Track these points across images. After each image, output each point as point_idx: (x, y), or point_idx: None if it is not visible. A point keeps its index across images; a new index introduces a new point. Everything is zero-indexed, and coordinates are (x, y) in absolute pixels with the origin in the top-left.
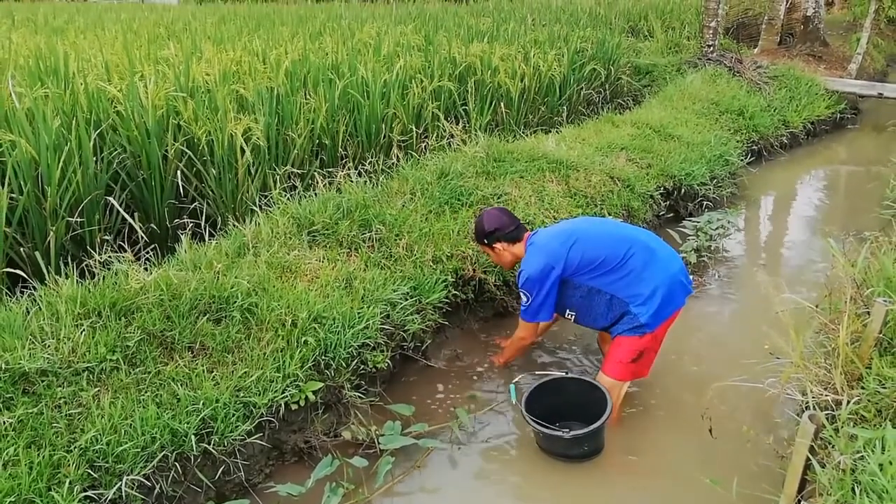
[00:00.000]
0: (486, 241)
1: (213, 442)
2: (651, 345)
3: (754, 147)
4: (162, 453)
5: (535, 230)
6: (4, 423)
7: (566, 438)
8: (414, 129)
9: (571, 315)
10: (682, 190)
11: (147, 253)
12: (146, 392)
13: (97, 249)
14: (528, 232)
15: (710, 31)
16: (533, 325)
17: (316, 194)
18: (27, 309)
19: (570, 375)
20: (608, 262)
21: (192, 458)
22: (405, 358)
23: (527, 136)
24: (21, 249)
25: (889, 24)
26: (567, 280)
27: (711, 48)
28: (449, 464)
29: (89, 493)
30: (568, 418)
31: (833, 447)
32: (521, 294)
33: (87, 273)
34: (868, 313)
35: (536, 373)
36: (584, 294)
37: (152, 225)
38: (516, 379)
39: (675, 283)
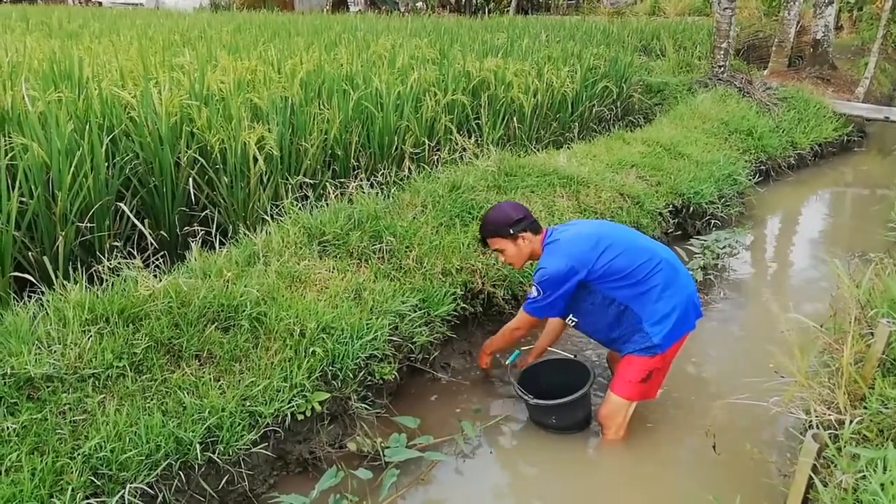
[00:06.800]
0: (511, 232)
1: (217, 451)
2: (661, 365)
3: (762, 167)
4: (166, 462)
5: (552, 227)
6: (8, 428)
7: (530, 404)
8: (426, 141)
9: (573, 321)
10: (691, 208)
11: (157, 260)
12: (152, 400)
13: (106, 255)
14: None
15: (721, 52)
16: (534, 319)
17: (327, 205)
18: (34, 314)
19: (576, 359)
20: (636, 273)
21: (197, 466)
22: (412, 370)
23: (538, 151)
24: (30, 254)
25: None
26: (585, 284)
27: (722, 68)
28: (454, 476)
29: (91, 500)
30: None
31: (835, 466)
32: (535, 288)
33: (95, 279)
34: (872, 334)
35: (550, 348)
36: (598, 301)
37: (162, 232)
38: (526, 348)
39: (689, 304)
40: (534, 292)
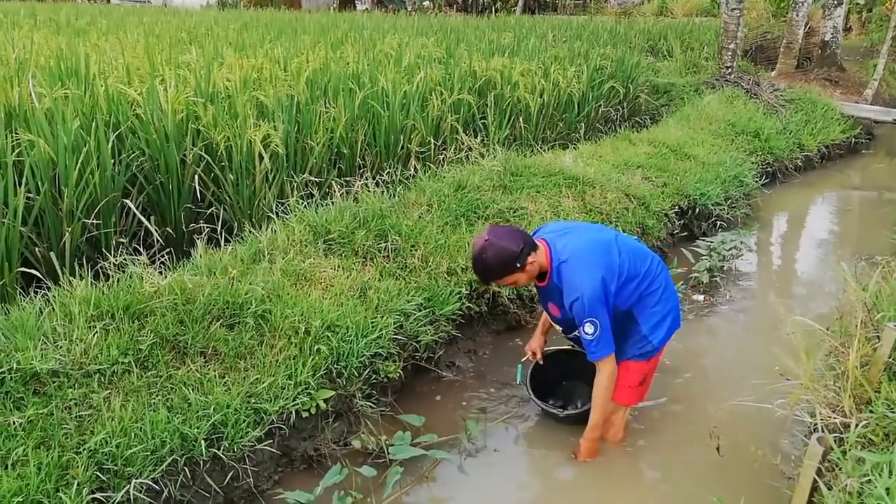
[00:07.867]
0: (518, 266)
1: (222, 447)
2: (654, 367)
3: (769, 169)
4: (171, 457)
5: (544, 236)
6: (14, 423)
7: (561, 417)
8: (432, 140)
9: (560, 326)
10: (697, 209)
11: (162, 257)
12: (157, 396)
13: (112, 252)
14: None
15: (729, 53)
16: (613, 356)
17: (333, 203)
18: (40, 309)
19: (574, 349)
20: (645, 278)
21: (202, 462)
22: (417, 368)
23: (544, 151)
24: (36, 249)
25: None
26: None
27: (729, 69)
28: (458, 475)
29: (97, 495)
30: (572, 379)
31: (840, 470)
32: (589, 324)
33: (101, 275)
34: (878, 337)
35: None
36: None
37: (168, 229)
38: (524, 359)
39: (678, 305)
40: (588, 329)
